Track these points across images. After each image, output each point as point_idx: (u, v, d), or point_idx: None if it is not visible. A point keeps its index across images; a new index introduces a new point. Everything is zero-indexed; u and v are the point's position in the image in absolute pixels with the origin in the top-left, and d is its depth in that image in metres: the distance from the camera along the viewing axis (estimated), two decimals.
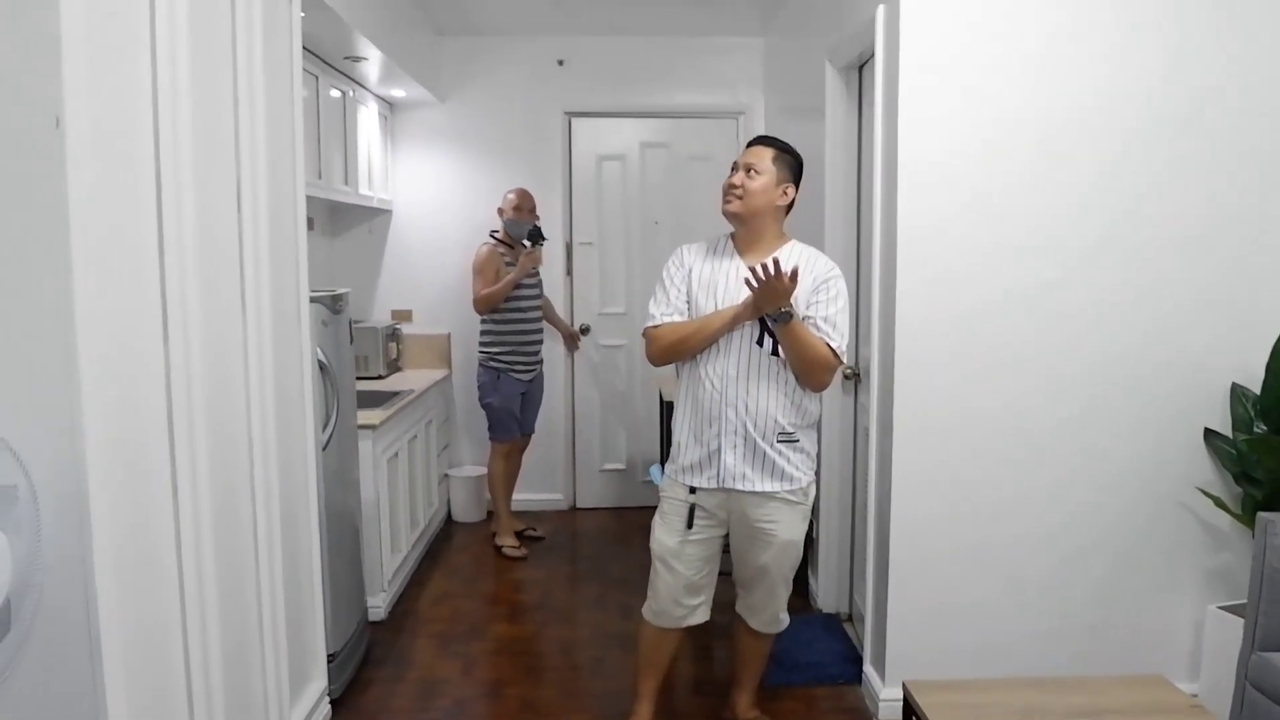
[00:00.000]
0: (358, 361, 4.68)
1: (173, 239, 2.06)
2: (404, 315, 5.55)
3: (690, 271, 2.73)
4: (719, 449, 2.68)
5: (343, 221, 5.41)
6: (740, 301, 2.62)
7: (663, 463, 3.30)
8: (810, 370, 2.62)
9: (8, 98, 1.65)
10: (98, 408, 1.76)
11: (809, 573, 4.31)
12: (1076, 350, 3.01)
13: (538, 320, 4.95)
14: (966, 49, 2.89)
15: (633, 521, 5.41)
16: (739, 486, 2.69)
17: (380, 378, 4.93)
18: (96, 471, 1.76)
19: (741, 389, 2.66)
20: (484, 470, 5.35)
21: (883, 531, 3.17)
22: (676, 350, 2.70)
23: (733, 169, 2.74)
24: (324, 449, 3.17)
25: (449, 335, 5.55)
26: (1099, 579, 3.10)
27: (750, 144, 2.80)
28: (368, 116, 4.92)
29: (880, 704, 3.15)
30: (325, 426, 3.22)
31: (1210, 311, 3.03)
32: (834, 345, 2.63)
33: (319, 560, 3.01)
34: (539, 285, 4.98)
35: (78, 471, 1.73)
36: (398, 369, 5.28)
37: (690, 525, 2.74)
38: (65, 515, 1.73)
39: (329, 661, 3.15)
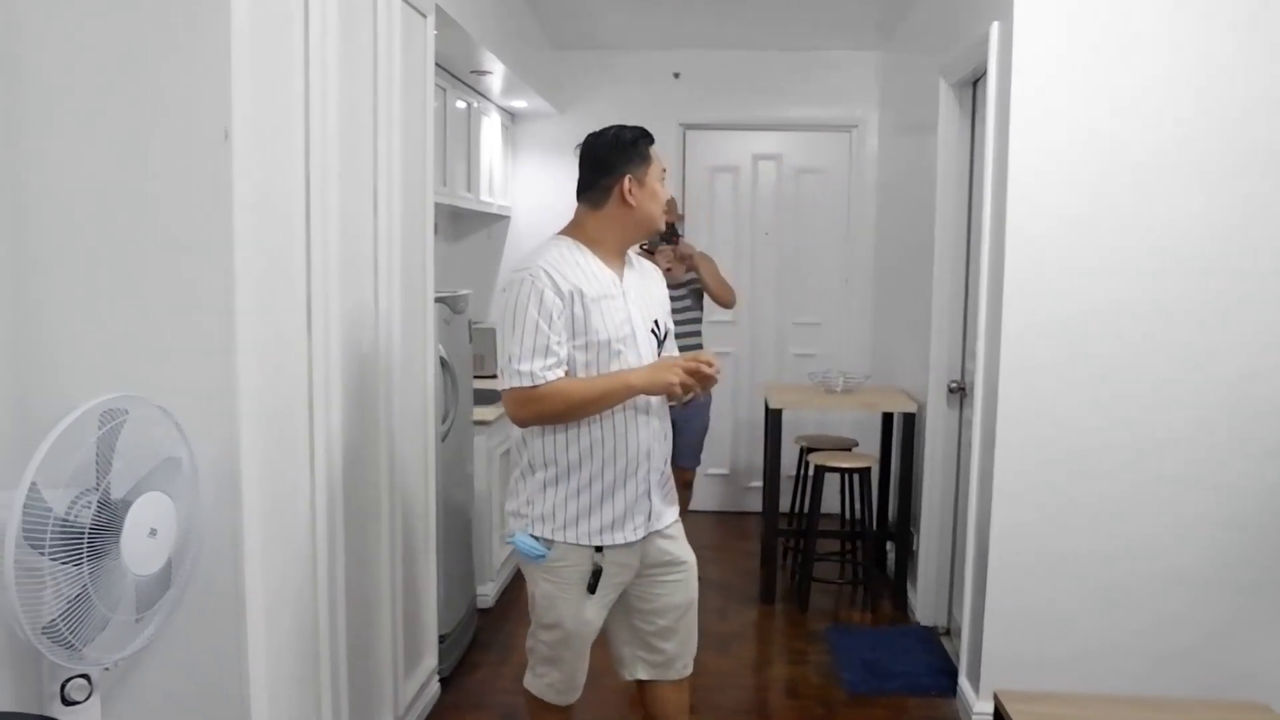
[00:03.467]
0: (475, 360, 4.90)
1: (318, 242, 2.26)
2: None
3: (575, 298, 2.19)
4: (648, 490, 2.33)
5: (464, 226, 5.65)
6: (643, 371, 2.25)
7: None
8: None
9: (184, 112, 1.86)
10: (250, 390, 1.95)
11: (907, 584, 4.33)
12: (1186, 364, 2.98)
13: (687, 336, 4.31)
14: (1079, 65, 2.90)
15: (736, 526, 5.53)
16: (658, 525, 2.36)
17: (494, 376, 5.11)
18: (248, 447, 1.96)
19: (661, 417, 2.36)
20: None
21: (982, 542, 3.19)
22: (567, 416, 2.21)
23: (663, 176, 2.36)
24: (442, 440, 3.36)
25: None
26: (1206, 599, 3.05)
27: (654, 141, 2.34)
28: (490, 126, 5.15)
29: (974, 717, 3.16)
30: (444, 420, 3.42)
31: None
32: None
33: (434, 545, 3.20)
34: (689, 296, 4.42)
35: (232, 446, 1.93)
36: None
37: (594, 590, 2.28)
38: (221, 486, 1.93)
39: (440, 642, 3.34)
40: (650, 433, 2.31)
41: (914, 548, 4.28)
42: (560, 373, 2.19)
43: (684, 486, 4.45)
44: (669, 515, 2.40)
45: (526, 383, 2.16)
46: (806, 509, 4.50)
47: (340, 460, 2.43)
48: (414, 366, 3.02)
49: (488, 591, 4.16)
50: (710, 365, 2.28)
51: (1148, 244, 2.95)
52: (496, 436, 4.20)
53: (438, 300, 3.27)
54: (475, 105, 4.81)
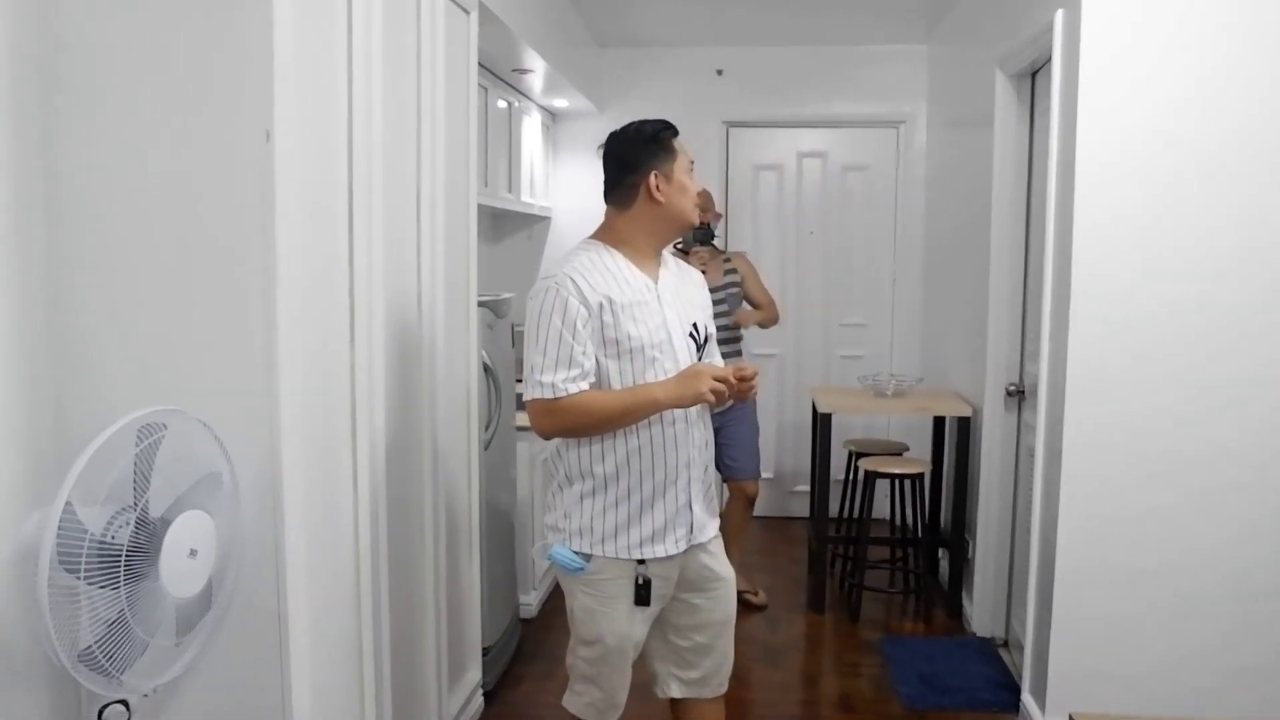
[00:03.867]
0: (518, 365, 4.82)
1: (361, 246, 2.18)
2: None
3: (604, 306, 2.10)
4: (689, 501, 2.22)
5: (504, 227, 5.58)
6: (669, 383, 2.12)
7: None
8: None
9: (226, 113, 1.79)
10: (292, 400, 1.88)
11: (963, 594, 4.19)
12: (1261, 367, 2.82)
13: (724, 343, 3.89)
14: (1151, 53, 2.76)
15: (782, 531, 5.41)
16: (701, 538, 2.26)
17: None
18: (290, 462, 1.88)
19: (701, 424, 2.27)
20: None
21: (1047, 552, 3.05)
22: (591, 430, 2.13)
23: (691, 168, 2.25)
24: (485, 448, 3.29)
25: None
26: None
27: (678, 133, 2.25)
28: (531, 126, 5.07)
29: None
30: (487, 427, 3.34)
31: None
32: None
33: (478, 555, 3.12)
34: (726, 300, 4.12)
35: (274, 461, 1.85)
36: None
37: (648, 600, 2.19)
38: (262, 502, 1.86)
39: (483, 655, 3.26)
40: (690, 441, 2.22)
41: (969, 555, 4.15)
42: (584, 385, 2.10)
43: (748, 502, 4.20)
44: (711, 528, 2.31)
45: (549, 394, 2.09)
46: (857, 515, 4.38)
47: (383, 470, 2.35)
48: (457, 372, 2.94)
49: (530, 601, 4.08)
50: (746, 378, 2.17)
51: (1222, 242, 2.80)
52: (539, 443, 4.11)
53: (481, 304, 3.19)
54: (517, 104, 4.73)
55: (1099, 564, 2.94)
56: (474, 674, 3.16)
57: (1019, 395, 3.73)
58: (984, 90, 3.89)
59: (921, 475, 4.19)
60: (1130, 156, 2.79)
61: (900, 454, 4.53)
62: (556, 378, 2.08)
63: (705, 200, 4.06)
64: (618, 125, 2.27)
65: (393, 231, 2.40)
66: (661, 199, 2.19)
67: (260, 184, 1.78)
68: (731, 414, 4.00)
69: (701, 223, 3.92)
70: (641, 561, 2.17)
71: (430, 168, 2.64)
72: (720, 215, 4.18)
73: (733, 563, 3.83)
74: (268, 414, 1.84)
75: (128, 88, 1.79)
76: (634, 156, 2.20)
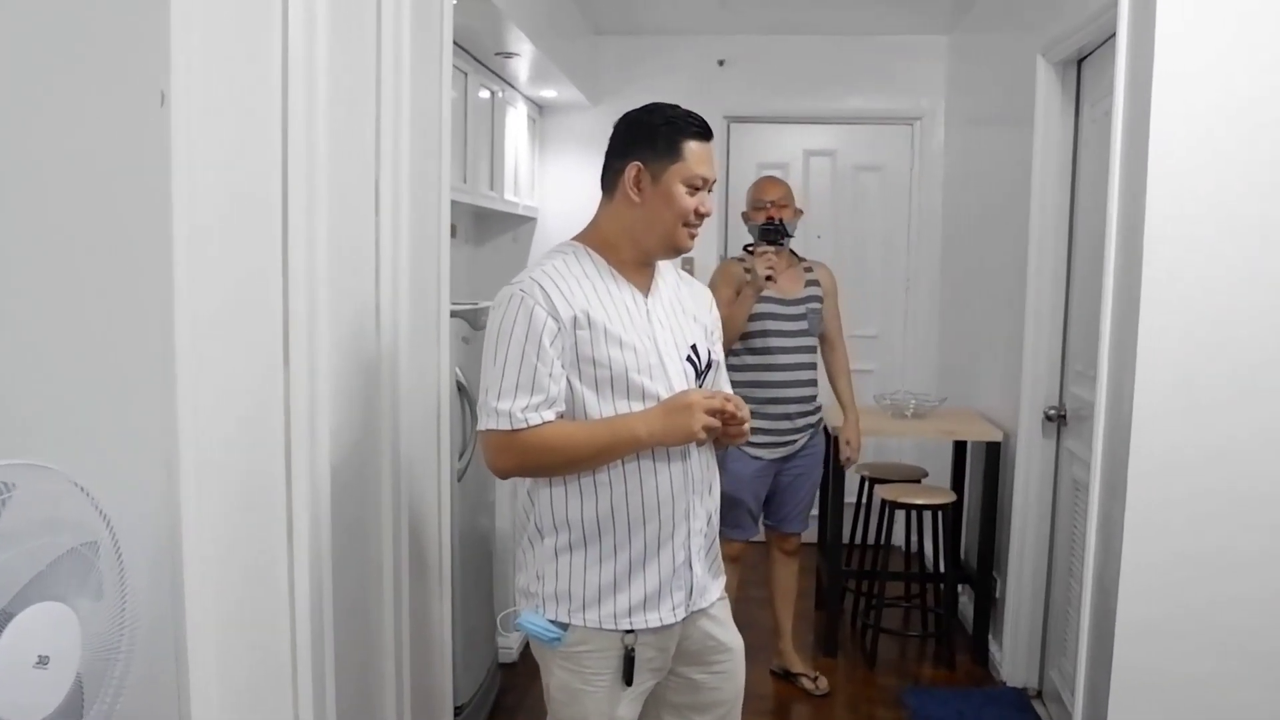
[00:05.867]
0: None
1: (300, 243, 1.76)
2: None
3: (579, 320, 1.75)
4: (688, 559, 1.85)
5: (487, 229, 5.17)
6: (654, 416, 1.75)
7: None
8: None
9: (113, 69, 1.38)
10: (200, 442, 1.47)
11: (990, 639, 3.79)
12: None
13: (799, 369, 3.38)
14: (1248, 28, 2.35)
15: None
16: (702, 603, 1.89)
17: None
18: (195, 513, 1.47)
19: (704, 462, 1.87)
20: None
21: (1104, 599, 2.63)
22: (558, 470, 1.78)
23: (702, 187, 1.85)
24: (459, 480, 2.87)
25: None
26: None
27: (708, 138, 1.89)
28: (516, 119, 4.66)
29: None
30: (461, 455, 2.92)
31: None
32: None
33: (449, 608, 2.69)
34: (806, 316, 3.38)
35: (173, 513, 1.44)
36: None
37: (631, 680, 1.82)
38: (159, 568, 1.44)
39: (456, 715, 2.84)
40: (690, 484, 1.84)
41: (997, 595, 3.75)
42: (549, 414, 1.73)
43: (792, 554, 3.59)
44: (714, 590, 1.94)
45: (505, 425, 1.72)
46: (872, 546, 3.98)
47: (328, 517, 1.92)
48: (424, 394, 2.52)
49: (510, 644, 3.65)
50: (735, 410, 1.78)
51: None
52: None
53: (454, 315, 2.78)
54: (500, 94, 4.32)
55: (1170, 615, 2.51)
56: None
57: (1059, 420, 3.34)
58: (1022, 81, 3.50)
59: (949, 507, 3.79)
60: (1216, 134, 2.35)
61: (919, 480, 4.13)
62: (515, 405, 1.71)
63: (766, 190, 3.42)
64: (610, 120, 1.94)
65: (344, 227, 1.99)
66: (637, 199, 1.81)
67: (153, 159, 1.37)
68: (803, 464, 3.44)
69: (769, 218, 3.28)
70: (630, 631, 1.80)
71: (393, 154, 2.23)
72: (800, 212, 3.46)
73: (785, 635, 3.45)
74: (164, 455, 1.42)
75: None
76: (629, 138, 1.85)
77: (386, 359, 2.21)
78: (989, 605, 3.80)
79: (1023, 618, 3.53)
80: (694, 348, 1.89)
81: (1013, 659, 3.56)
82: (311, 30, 1.78)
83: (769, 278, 3.14)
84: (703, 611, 1.90)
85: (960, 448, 4.07)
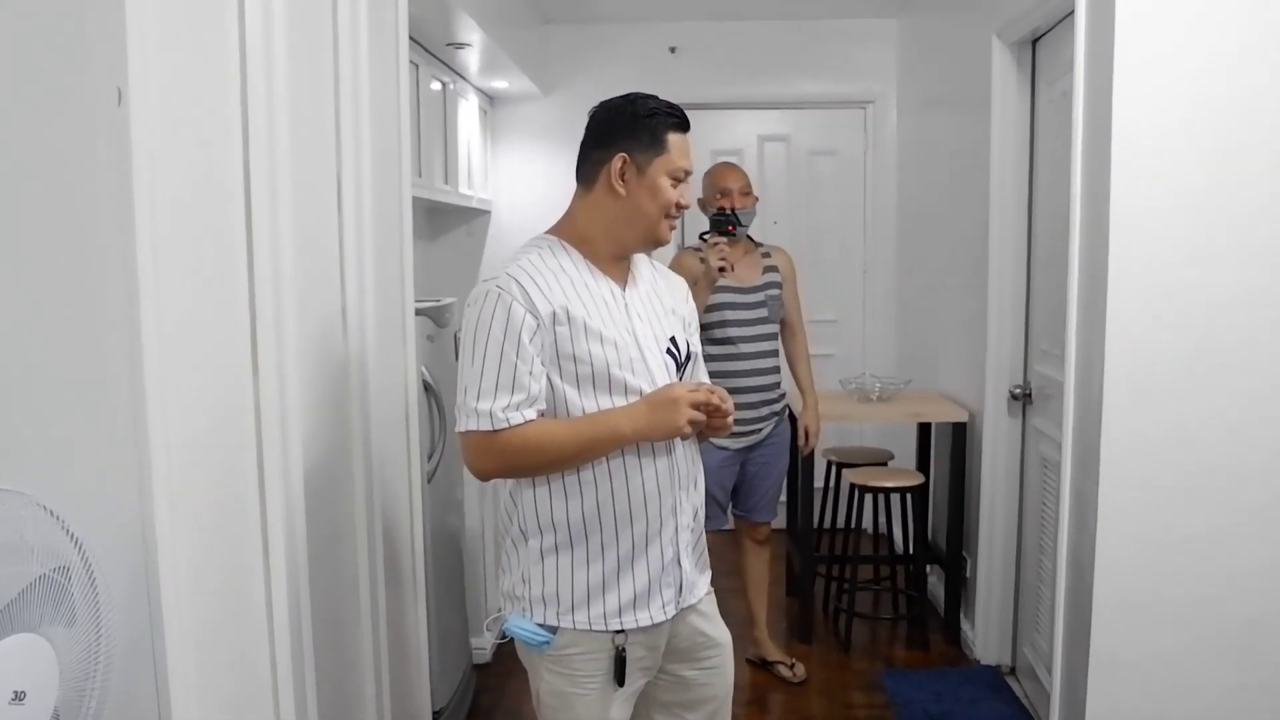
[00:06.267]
0: None
1: (264, 243, 1.69)
2: None
3: (557, 316, 1.70)
4: (676, 555, 1.82)
5: (440, 223, 5.08)
6: (637, 412, 1.72)
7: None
8: None
9: (71, 66, 1.30)
10: (170, 452, 1.40)
11: (961, 618, 3.82)
12: None
13: (760, 357, 3.36)
14: (1194, 1, 2.38)
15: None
16: (691, 599, 1.87)
17: None
18: (168, 529, 1.41)
19: (689, 457, 1.85)
20: None
21: (1080, 579, 2.66)
22: (541, 470, 1.74)
23: (683, 179, 1.84)
24: (429, 480, 2.81)
25: None
26: None
27: (688, 129, 1.87)
28: (468, 110, 4.58)
29: None
30: (430, 456, 2.86)
31: None
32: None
33: (424, 613, 2.64)
34: (765, 304, 3.36)
35: (147, 531, 1.38)
36: None
37: (623, 680, 1.79)
38: (135, 589, 1.38)
39: (435, 718, 2.79)
40: (676, 479, 1.81)
41: (967, 575, 3.78)
42: (530, 413, 1.69)
43: (763, 544, 3.58)
44: (702, 584, 1.92)
45: (485, 426, 1.67)
46: (841, 530, 3.99)
47: (303, 523, 1.85)
48: (393, 394, 2.46)
49: (484, 644, 3.59)
50: (719, 403, 1.75)
51: None
52: None
53: (419, 313, 2.72)
54: (452, 86, 4.24)
55: (1145, 593, 2.55)
56: None
57: (1025, 399, 3.36)
58: (977, 63, 3.51)
59: (918, 489, 3.80)
60: (1179, 118, 2.37)
61: (885, 463, 4.15)
62: (495, 405, 1.66)
63: (725, 177, 3.36)
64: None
65: (308, 227, 1.92)
66: (622, 191, 1.77)
67: (114, 159, 1.30)
68: (766, 454, 3.43)
69: (720, 208, 3.23)
70: (620, 631, 1.77)
71: (354, 151, 2.16)
72: (756, 198, 3.39)
73: (759, 624, 3.48)
74: (134, 473, 1.36)
75: None
76: (611, 129, 1.80)
77: (355, 361, 2.15)
78: (959, 585, 3.83)
79: (994, 596, 3.56)
80: (673, 340, 1.86)
81: (985, 637, 3.59)
82: (269, 25, 1.71)
83: (721, 269, 3.09)
84: (692, 607, 1.87)
85: (925, 429, 4.09)
